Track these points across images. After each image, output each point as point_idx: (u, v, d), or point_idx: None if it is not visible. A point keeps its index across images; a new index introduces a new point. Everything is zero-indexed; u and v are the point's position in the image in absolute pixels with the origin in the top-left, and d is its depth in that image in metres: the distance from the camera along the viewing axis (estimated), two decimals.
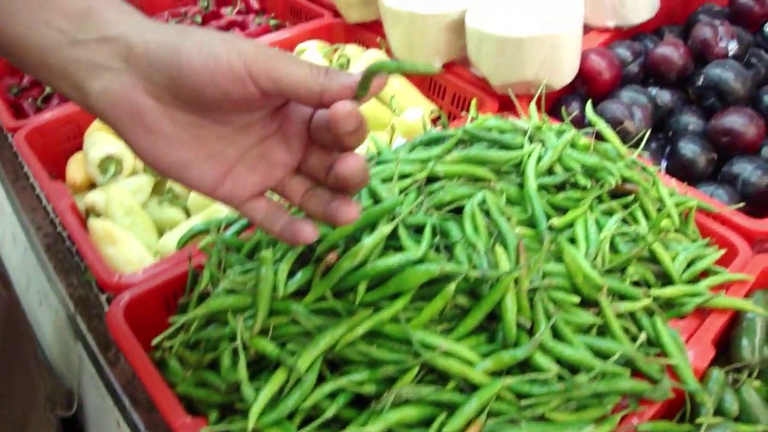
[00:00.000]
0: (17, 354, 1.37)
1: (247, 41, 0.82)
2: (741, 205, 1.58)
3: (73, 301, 1.58)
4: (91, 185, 1.88)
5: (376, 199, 1.24)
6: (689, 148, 1.82)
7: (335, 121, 0.82)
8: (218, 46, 0.80)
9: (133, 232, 1.66)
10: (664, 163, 1.85)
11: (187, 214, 1.80)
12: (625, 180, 1.41)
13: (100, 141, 1.81)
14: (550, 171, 1.40)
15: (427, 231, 1.15)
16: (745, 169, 1.76)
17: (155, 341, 1.14)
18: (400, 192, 1.29)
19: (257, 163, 0.94)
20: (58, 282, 1.65)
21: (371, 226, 1.15)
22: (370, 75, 0.83)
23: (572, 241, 1.29)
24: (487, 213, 1.27)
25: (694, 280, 1.36)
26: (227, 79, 0.80)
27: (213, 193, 0.92)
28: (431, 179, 1.34)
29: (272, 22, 2.69)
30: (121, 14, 0.85)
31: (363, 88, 0.83)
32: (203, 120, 0.87)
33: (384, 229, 1.11)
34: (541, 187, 1.36)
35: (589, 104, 1.60)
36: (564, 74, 1.90)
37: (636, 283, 1.29)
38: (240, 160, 0.92)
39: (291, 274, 1.13)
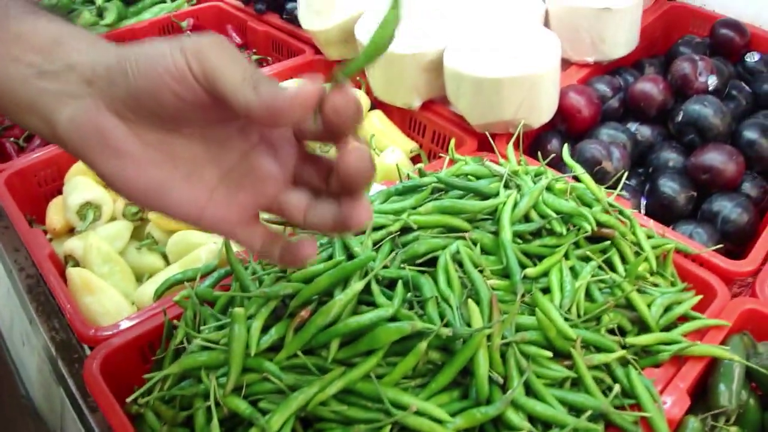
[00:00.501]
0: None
1: (197, 36, 0.77)
2: (719, 246, 1.58)
3: (54, 344, 1.58)
4: (71, 230, 1.87)
5: (349, 252, 1.24)
6: (669, 186, 1.82)
7: (330, 107, 0.75)
8: (164, 46, 0.76)
9: (111, 280, 1.65)
10: (643, 201, 1.85)
11: (166, 260, 1.79)
12: (601, 225, 1.41)
13: (79, 187, 1.81)
14: (526, 217, 1.40)
15: (399, 287, 1.15)
16: (724, 206, 1.76)
17: (130, 398, 1.14)
18: (374, 244, 1.29)
19: (243, 180, 0.87)
20: (39, 325, 1.65)
21: (344, 281, 1.15)
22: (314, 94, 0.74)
23: (547, 290, 1.29)
24: (461, 264, 1.27)
25: (672, 325, 1.36)
26: (174, 79, 0.74)
27: (199, 219, 0.86)
28: (406, 229, 1.34)
29: (254, 58, 2.70)
30: (88, 42, 0.82)
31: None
32: (174, 137, 0.82)
33: (356, 286, 1.12)
34: (517, 235, 1.36)
35: (565, 148, 1.60)
36: (542, 113, 1.90)
37: (611, 331, 1.29)
38: (223, 179, 0.86)
39: (265, 328, 1.13)
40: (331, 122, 0.76)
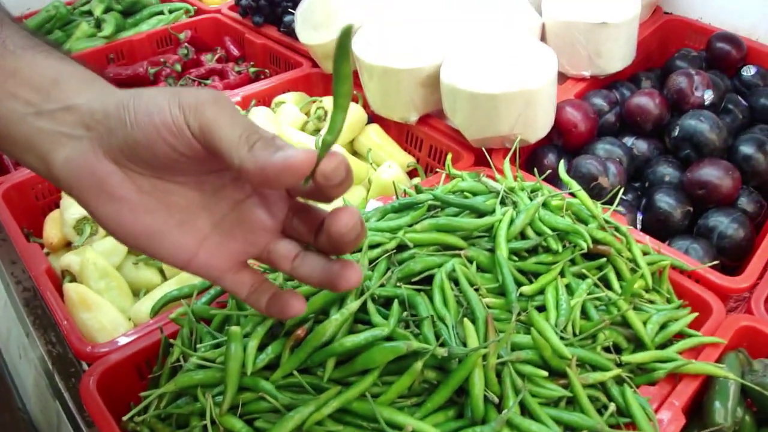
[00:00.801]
0: None
1: (195, 91, 0.78)
2: (715, 263, 1.58)
3: (50, 359, 1.59)
4: (68, 244, 1.87)
5: None
6: (665, 201, 1.82)
7: (320, 174, 0.75)
8: (161, 98, 0.77)
9: (108, 295, 1.65)
10: (640, 216, 1.85)
11: (163, 275, 1.80)
12: (597, 242, 1.42)
13: (75, 202, 1.80)
14: (522, 234, 1.40)
15: (395, 307, 1.15)
16: (720, 222, 1.77)
17: (126, 417, 1.14)
18: (370, 262, 1.29)
19: (235, 229, 0.88)
20: (36, 338, 1.65)
21: (340, 300, 1.15)
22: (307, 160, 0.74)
23: (543, 308, 1.29)
24: (456, 282, 1.27)
25: (667, 342, 1.37)
26: (170, 132, 0.76)
27: (188, 265, 0.87)
28: (402, 246, 1.34)
29: (252, 70, 2.70)
30: (86, 83, 0.84)
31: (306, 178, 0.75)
32: (169, 185, 0.83)
33: (352, 305, 1.12)
34: (513, 252, 1.37)
35: (562, 165, 1.60)
36: (539, 128, 1.91)
37: (607, 349, 1.29)
38: (215, 227, 0.88)
39: (261, 347, 1.13)
40: (322, 186, 0.76)
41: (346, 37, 0.68)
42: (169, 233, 0.84)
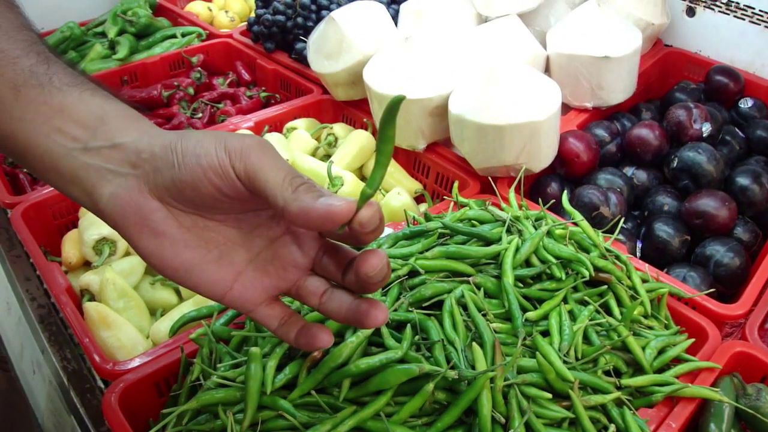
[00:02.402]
0: None
1: (240, 136, 0.83)
2: (712, 290, 1.62)
3: (66, 374, 1.61)
4: (86, 263, 1.92)
5: None
6: (664, 230, 1.87)
7: (357, 222, 0.81)
8: (209, 142, 0.82)
9: (126, 314, 1.70)
10: (639, 244, 1.90)
11: (179, 295, 1.84)
12: (599, 270, 1.47)
13: (95, 222, 1.85)
14: (527, 262, 1.45)
15: (408, 331, 1.20)
16: (717, 251, 1.82)
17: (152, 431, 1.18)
18: (384, 287, 1.35)
19: (269, 265, 0.93)
20: (51, 354, 1.67)
21: None
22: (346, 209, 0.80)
23: (547, 333, 1.34)
24: (465, 307, 1.33)
25: (665, 367, 1.42)
26: (216, 174, 0.80)
27: (222, 297, 0.91)
28: (413, 272, 1.39)
29: (263, 95, 2.75)
30: (131, 121, 0.88)
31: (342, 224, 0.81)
32: (208, 222, 0.88)
33: (367, 329, 1.17)
34: (518, 279, 1.41)
35: (565, 195, 1.65)
36: (543, 158, 1.95)
37: (608, 372, 1.34)
38: (250, 263, 0.92)
39: (279, 367, 1.18)
40: (357, 233, 0.82)
41: (396, 104, 0.75)
42: (207, 267, 0.89)
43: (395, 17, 2.46)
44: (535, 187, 2.04)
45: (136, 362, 1.43)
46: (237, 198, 0.83)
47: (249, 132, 2.24)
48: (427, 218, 1.57)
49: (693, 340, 1.48)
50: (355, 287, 0.92)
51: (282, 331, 0.95)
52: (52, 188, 1.94)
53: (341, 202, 0.78)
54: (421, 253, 1.42)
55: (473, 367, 1.19)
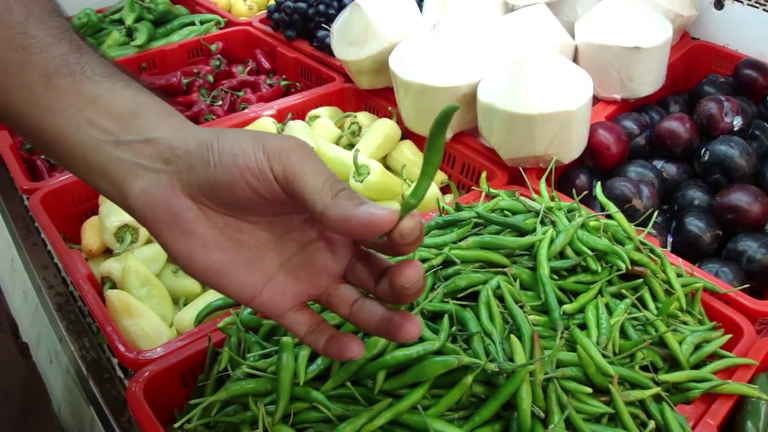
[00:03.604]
0: (33, 428, 1.37)
1: (280, 137, 0.80)
2: (746, 285, 1.60)
3: (85, 363, 1.59)
4: (107, 250, 1.89)
5: None
6: (695, 225, 1.85)
7: (398, 233, 0.77)
8: (246, 142, 0.79)
9: (149, 303, 1.67)
10: (670, 239, 1.87)
11: (202, 284, 1.79)
12: (634, 263, 1.44)
13: (115, 209, 1.82)
14: (561, 254, 1.43)
15: (445, 322, 1.17)
16: (749, 246, 1.79)
17: (177, 424, 1.15)
18: None
19: (300, 270, 0.90)
20: (69, 343, 1.66)
21: None
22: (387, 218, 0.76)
23: (583, 326, 1.31)
24: (501, 299, 1.30)
25: (701, 363, 1.39)
26: (254, 175, 0.78)
27: (251, 301, 0.88)
28: (447, 262, 1.37)
29: (283, 83, 2.73)
30: (165, 116, 0.86)
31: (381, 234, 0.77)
32: (241, 223, 0.85)
33: None
34: (553, 271, 1.39)
35: (598, 187, 1.63)
36: (573, 149, 1.93)
37: (644, 368, 1.31)
38: (281, 267, 0.89)
39: (311, 358, 1.15)
40: (396, 243, 0.78)
41: (447, 114, 0.71)
42: (238, 270, 0.86)
43: (420, 4, 2.43)
44: (563, 180, 2.01)
45: (161, 351, 1.40)
46: (273, 200, 0.81)
47: (272, 120, 2.22)
48: (458, 208, 1.54)
49: (730, 336, 1.44)
50: (388, 298, 0.88)
51: (310, 339, 0.91)
52: (72, 174, 1.95)
53: (383, 211, 0.75)
54: (454, 242, 1.40)
55: (511, 360, 1.16)
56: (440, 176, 2.13)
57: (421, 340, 1.15)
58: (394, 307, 0.90)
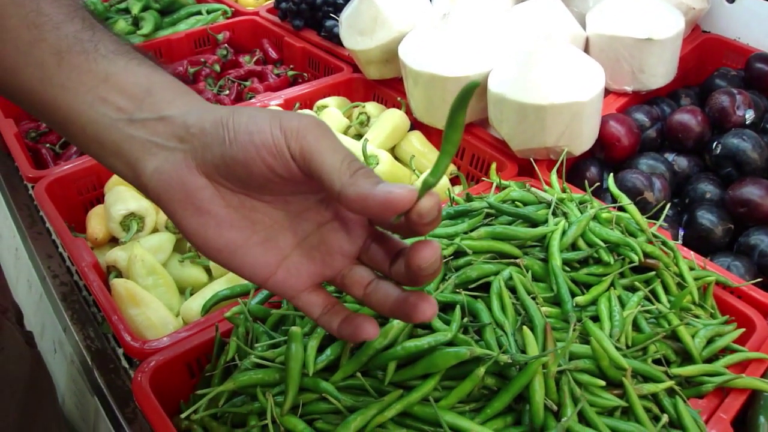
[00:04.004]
0: (38, 417, 1.36)
1: (297, 115, 0.79)
2: (758, 280, 1.58)
3: (89, 353, 1.57)
4: (112, 239, 1.88)
5: None
6: (707, 218, 1.83)
7: (416, 212, 0.75)
8: (263, 120, 0.78)
9: (155, 292, 1.65)
10: (681, 232, 1.86)
11: (209, 273, 1.80)
12: (646, 255, 1.43)
13: (122, 197, 1.81)
14: (573, 245, 1.41)
15: (457, 312, 1.16)
16: (762, 240, 1.77)
17: (184, 414, 1.14)
18: None
19: (314, 251, 0.89)
20: (74, 333, 1.64)
21: None
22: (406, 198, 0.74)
23: (596, 318, 1.30)
24: (513, 290, 1.28)
25: (713, 357, 1.38)
26: (270, 153, 0.77)
27: (265, 282, 0.88)
28: (458, 253, 1.35)
29: (290, 73, 2.71)
30: (180, 93, 0.85)
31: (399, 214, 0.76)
32: (256, 202, 0.85)
33: None
34: (564, 262, 1.38)
35: (611, 179, 1.62)
36: (584, 141, 1.91)
37: (657, 361, 1.30)
38: (296, 247, 0.89)
39: (320, 348, 1.14)
40: (414, 223, 0.77)
41: (469, 91, 0.70)
42: (252, 250, 0.86)
43: None
44: (573, 171, 1.99)
45: (168, 341, 1.38)
46: (289, 179, 0.80)
47: (280, 110, 2.19)
48: (469, 199, 1.53)
49: (743, 330, 1.43)
50: (404, 279, 0.87)
51: (324, 320, 0.91)
52: (77, 163, 1.94)
53: (402, 190, 0.74)
54: (465, 233, 1.38)
55: (524, 352, 1.15)
56: (450, 167, 2.11)
57: (433, 330, 1.14)
58: (410, 288, 0.88)
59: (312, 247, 0.89)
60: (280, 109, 2.11)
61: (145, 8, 2.97)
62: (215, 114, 0.81)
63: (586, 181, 1.65)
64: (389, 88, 2.37)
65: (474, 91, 0.70)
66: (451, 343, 1.11)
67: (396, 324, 1.11)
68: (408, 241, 0.88)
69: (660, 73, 2.21)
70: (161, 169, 0.81)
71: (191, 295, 1.71)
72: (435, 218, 0.77)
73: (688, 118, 2.08)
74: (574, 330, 1.21)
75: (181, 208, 0.82)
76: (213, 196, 0.82)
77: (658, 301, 1.40)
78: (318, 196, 0.87)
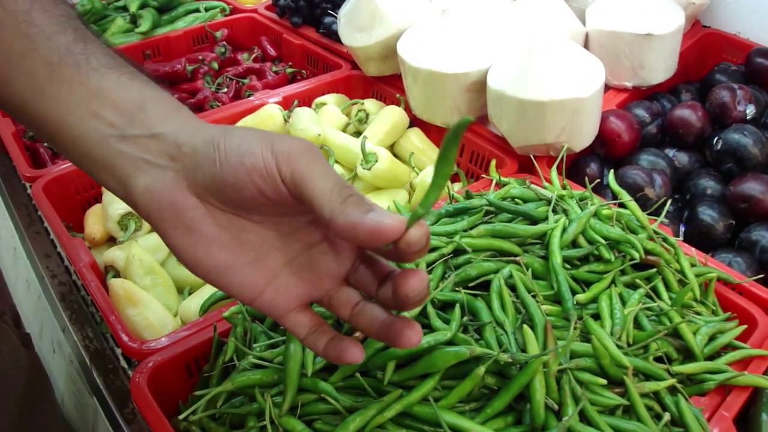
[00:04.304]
0: (36, 419, 1.36)
1: (288, 138, 0.79)
2: (760, 276, 1.58)
3: (88, 353, 1.57)
4: (110, 239, 1.87)
5: None
6: (708, 214, 1.82)
7: (405, 242, 0.76)
8: (254, 142, 0.78)
9: (153, 292, 1.65)
10: (682, 228, 1.85)
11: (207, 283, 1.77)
12: (647, 252, 1.42)
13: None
14: (573, 243, 1.40)
15: (456, 311, 1.15)
16: (763, 236, 1.76)
17: (182, 416, 1.13)
18: (428, 266, 1.30)
19: (303, 271, 0.89)
20: (72, 333, 1.63)
21: None
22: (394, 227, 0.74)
23: (597, 316, 1.29)
24: (513, 288, 1.28)
25: (714, 354, 1.37)
26: (261, 176, 0.77)
27: (253, 301, 0.87)
28: (457, 251, 1.34)
29: (289, 71, 2.70)
30: (172, 110, 0.84)
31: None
32: (246, 223, 0.84)
33: (414, 310, 1.12)
34: (565, 260, 1.37)
35: (611, 175, 1.61)
36: (584, 137, 1.90)
37: (658, 359, 1.29)
38: (285, 267, 0.88)
39: None
40: (402, 252, 0.77)
41: (462, 125, 0.69)
42: (241, 269, 0.85)
43: None
44: (573, 168, 1.98)
45: (166, 341, 1.38)
46: (278, 201, 0.79)
47: (278, 107, 2.19)
48: (468, 196, 1.52)
49: (744, 326, 1.42)
50: (391, 303, 0.86)
51: (310, 340, 0.90)
52: None
53: (391, 220, 0.74)
54: (465, 231, 1.38)
55: (524, 351, 1.14)
56: None
57: (432, 330, 1.14)
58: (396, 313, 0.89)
59: (301, 268, 0.89)
60: (278, 108, 2.12)
61: (143, 6, 2.97)
62: (207, 133, 0.81)
63: (586, 178, 1.64)
64: (388, 85, 2.37)
65: (465, 127, 0.69)
66: (450, 343, 1.10)
67: None
68: (397, 265, 0.89)
69: (660, 68, 2.20)
70: (152, 188, 0.81)
71: (189, 294, 1.71)
72: (423, 247, 0.78)
73: (688, 113, 2.07)
74: (575, 328, 1.20)
75: (171, 227, 0.82)
76: (203, 215, 0.82)
77: (660, 298, 1.39)
78: (308, 217, 0.87)
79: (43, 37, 0.81)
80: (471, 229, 1.39)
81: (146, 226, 1.82)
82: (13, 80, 0.81)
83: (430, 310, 1.17)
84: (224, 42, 2.85)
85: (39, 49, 0.81)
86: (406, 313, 1.07)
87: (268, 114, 2.16)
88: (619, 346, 1.22)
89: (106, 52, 0.85)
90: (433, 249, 1.32)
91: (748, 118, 2.06)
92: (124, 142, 0.81)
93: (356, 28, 2.26)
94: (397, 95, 2.27)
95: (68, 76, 0.81)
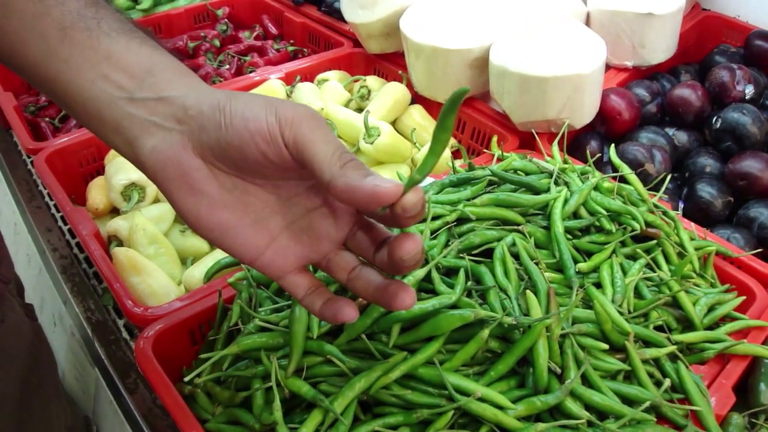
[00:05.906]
0: (38, 390, 1.36)
1: (292, 105, 0.81)
2: (759, 250, 1.59)
3: (90, 325, 1.57)
4: (113, 211, 1.88)
5: None
6: (706, 191, 1.84)
7: (400, 206, 0.78)
8: (259, 106, 0.80)
9: (157, 261, 1.65)
10: (681, 205, 1.86)
11: (207, 242, 1.78)
12: (647, 224, 1.43)
13: (122, 168, 1.81)
14: (575, 214, 1.42)
15: (461, 276, 1.17)
16: (761, 213, 1.78)
17: (187, 378, 1.14)
18: (432, 233, 1.31)
19: (302, 235, 0.91)
20: (74, 305, 1.64)
21: None
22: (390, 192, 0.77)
23: (598, 285, 1.31)
24: (516, 256, 1.29)
25: (713, 325, 1.38)
26: (264, 140, 0.79)
27: (254, 262, 0.90)
28: (461, 219, 1.36)
29: (290, 48, 2.71)
30: (180, 75, 0.86)
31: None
32: (248, 185, 0.86)
33: (418, 273, 1.14)
34: (566, 230, 1.38)
35: (612, 149, 1.62)
36: (585, 114, 1.91)
37: (658, 328, 1.30)
38: (285, 230, 0.90)
39: None
40: (398, 216, 0.79)
41: (460, 95, 0.72)
42: (242, 230, 0.87)
43: None
44: (574, 145, 2.00)
45: (170, 307, 1.39)
46: (281, 165, 0.81)
47: (280, 83, 2.21)
48: (471, 168, 1.53)
49: (743, 298, 1.44)
50: (387, 267, 0.89)
51: (308, 301, 0.92)
52: (77, 134, 1.94)
53: (388, 184, 0.76)
54: (469, 200, 1.39)
55: (527, 315, 1.15)
56: (450, 141, 2.10)
57: (436, 294, 1.15)
58: (391, 277, 0.91)
59: (300, 231, 0.91)
60: (281, 83, 2.12)
61: None
62: (213, 97, 0.82)
63: (587, 152, 1.65)
64: (390, 62, 2.37)
65: (464, 96, 0.72)
66: (455, 306, 1.11)
67: None
68: (394, 231, 0.92)
69: (660, 48, 2.21)
70: (158, 149, 0.82)
71: (192, 264, 1.71)
72: (418, 212, 0.80)
73: (688, 92, 2.08)
74: (576, 294, 1.21)
75: (176, 187, 0.84)
76: (207, 177, 0.84)
77: (660, 269, 1.41)
78: (308, 182, 0.89)
79: (56, 2, 0.83)
80: (474, 198, 1.40)
81: (149, 196, 1.82)
82: (27, 43, 0.83)
83: (435, 275, 1.18)
84: (226, 20, 2.85)
85: (52, 12, 0.82)
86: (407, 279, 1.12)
87: (270, 89, 2.17)
88: (620, 314, 1.23)
89: (117, 17, 0.87)
90: (437, 217, 1.33)
91: (747, 98, 2.08)
92: (133, 104, 0.83)
93: (359, 5, 2.27)
94: (400, 72, 2.27)
95: (80, 39, 0.83)
